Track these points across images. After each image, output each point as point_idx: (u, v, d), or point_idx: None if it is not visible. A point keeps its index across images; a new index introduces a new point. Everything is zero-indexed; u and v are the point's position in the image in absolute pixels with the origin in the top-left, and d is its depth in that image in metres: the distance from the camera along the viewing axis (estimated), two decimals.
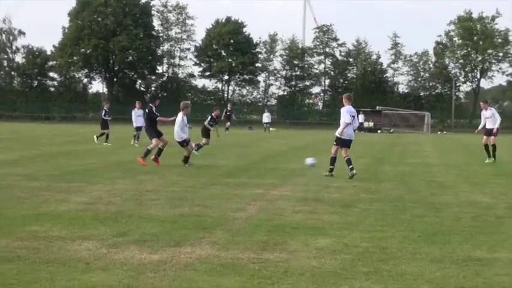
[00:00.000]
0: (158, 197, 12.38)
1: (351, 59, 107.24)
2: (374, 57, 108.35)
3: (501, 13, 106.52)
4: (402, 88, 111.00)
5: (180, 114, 19.89)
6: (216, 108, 30.29)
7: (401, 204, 12.21)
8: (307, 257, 7.54)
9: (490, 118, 24.77)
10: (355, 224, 9.82)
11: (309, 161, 20.41)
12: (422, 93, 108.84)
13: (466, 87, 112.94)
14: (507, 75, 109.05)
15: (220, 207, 11.26)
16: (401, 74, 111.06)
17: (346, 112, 17.12)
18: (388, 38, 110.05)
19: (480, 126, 25.80)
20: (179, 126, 19.70)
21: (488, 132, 24.64)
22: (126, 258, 7.35)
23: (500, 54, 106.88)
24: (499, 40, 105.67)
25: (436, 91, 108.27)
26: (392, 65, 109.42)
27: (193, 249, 7.87)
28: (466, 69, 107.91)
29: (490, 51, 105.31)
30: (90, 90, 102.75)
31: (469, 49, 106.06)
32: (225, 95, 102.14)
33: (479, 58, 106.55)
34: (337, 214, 10.75)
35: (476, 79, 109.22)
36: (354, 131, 17.83)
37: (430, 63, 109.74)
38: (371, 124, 75.35)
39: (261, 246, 8.10)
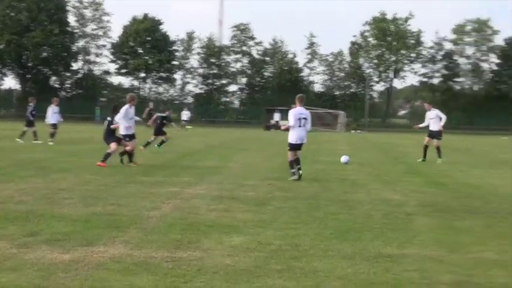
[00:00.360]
0: (71, 196, 12.17)
1: (267, 58, 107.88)
2: (290, 56, 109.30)
3: (414, 15, 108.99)
4: (318, 87, 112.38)
5: (126, 107, 19.41)
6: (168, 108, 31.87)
7: (315, 202, 12.36)
8: (221, 255, 7.55)
9: (433, 119, 24.77)
10: (269, 222, 9.89)
11: (344, 158, 22.62)
12: (337, 93, 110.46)
13: (379, 87, 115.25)
14: (419, 75, 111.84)
15: (134, 205, 11.16)
16: (317, 74, 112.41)
17: (293, 115, 16.90)
18: (305, 38, 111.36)
19: (422, 125, 25.85)
20: (123, 118, 19.17)
21: (431, 134, 24.76)
22: (37, 258, 7.21)
23: (413, 54, 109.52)
24: (412, 41, 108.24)
25: (351, 90, 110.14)
26: (308, 65, 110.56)
27: (106, 248, 7.78)
28: (380, 69, 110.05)
29: (403, 51, 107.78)
30: (2, 87, 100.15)
31: (383, 49, 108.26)
32: (141, 92, 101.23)
33: (393, 58, 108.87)
34: (252, 212, 10.80)
35: (389, 79, 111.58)
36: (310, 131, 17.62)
37: (345, 63, 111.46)
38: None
39: (175, 244, 8.07)
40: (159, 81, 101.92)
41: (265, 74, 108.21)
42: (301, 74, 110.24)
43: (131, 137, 19.41)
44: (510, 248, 8.40)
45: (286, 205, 11.78)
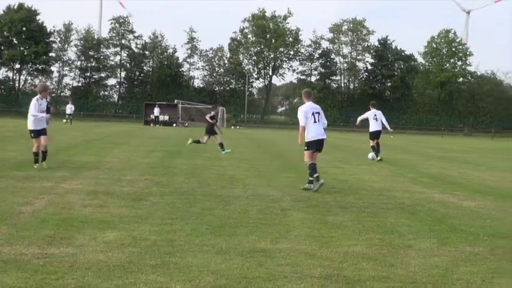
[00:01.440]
0: None
1: (147, 52, 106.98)
2: (170, 51, 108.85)
3: (292, 13, 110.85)
4: (197, 82, 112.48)
5: (35, 98, 16.98)
6: None
7: (192, 197, 12.37)
8: (94, 251, 7.44)
9: (376, 120, 25.28)
10: (144, 217, 9.83)
11: (370, 155, 25.13)
12: (217, 88, 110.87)
13: (258, 84, 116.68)
14: (297, 73, 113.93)
15: (5, 201, 10.81)
16: (197, 69, 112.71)
17: (303, 111, 14.84)
18: (185, 33, 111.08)
19: (358, 120, 26.58)
20: (34, 111, 16.74)
21: (375, 135, 25.24)
22: None
23: (291, 52, 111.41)
24: (290, 39, 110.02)
25: (231, 86, 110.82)
26: (188, 60, 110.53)
27: None
28: (259, 66, 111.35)
29: (281, 49, 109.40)
30: None
31: (262, 46, 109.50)
32: (16, 84, 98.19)
33: (272, 56, 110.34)
34: (128, 207, 10.69)
35: (268, 76, 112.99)
36: (325, 128, 15.19)
37: (225, 58, 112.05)
38: (166, 118, 75.55)
39: (47, 241, 7.88)
40: (35, 73, 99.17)
41: (145, 68, 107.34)
42: (181, 69, 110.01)
43: (40, 132, 17.05)
44: (379, 241, 8.69)
45: (163, 200, 11.74)
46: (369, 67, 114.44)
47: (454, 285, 6.62)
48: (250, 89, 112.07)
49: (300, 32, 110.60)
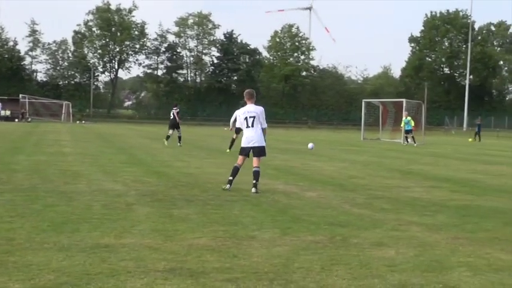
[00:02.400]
0: None
1: None
2: (11, 44, 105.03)
3: (138, 6, 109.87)
4: (41, 76, 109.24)
5: None
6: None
7: (34, 194, 12.01)
8: None
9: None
10: None
11: (310, 145, 27.46)
12: (61, 82, 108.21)
13: (104, 77, 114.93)
14: (143, 66, 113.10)
15: None
16: (40, 62, 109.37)
17: (237, 115, 14.48)
18: (26, 25, 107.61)
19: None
20: None
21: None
22: None
23: (137, 46, 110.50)
24: (136, 32, 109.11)
25: (75, 80, 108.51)
26: (30, 53, 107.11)
27: None
28: (105, 60, 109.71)
29: (127, 42, 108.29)
30: None
31: (107, 40, 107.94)
32: None
33: (117, 49, 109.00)
34: None
35: (114, 69, 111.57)
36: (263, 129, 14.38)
37: (69, 52, 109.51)
38: (8, 113, 72.82)
39: None
40: None
41: None
42: (23, 63, 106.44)
43: None
44: (223, 233, 8.79)
45: (2, 198, 11.32)
46: (215, 61, 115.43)
47: (295, 273, 6.80)
48: (95, 83, 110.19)
49: (145, 25, 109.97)
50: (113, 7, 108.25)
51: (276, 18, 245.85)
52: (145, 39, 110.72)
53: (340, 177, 17.81)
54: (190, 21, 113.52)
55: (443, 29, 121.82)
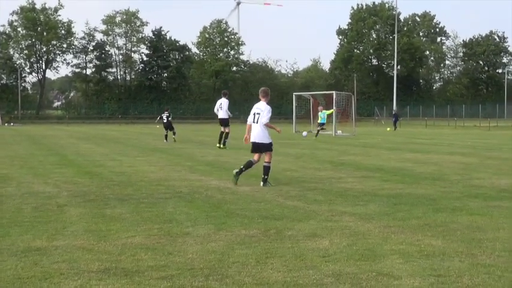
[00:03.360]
0: None
1: None
2: None
3: (63, 5, 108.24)
4: None
5: None
6: None
7: None
8: None
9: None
10: None
11: (304, 133, 29.66)
12: None
13: (32, 78, 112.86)
14: (72, 66, 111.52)
15: None
16: None
17: (252, 110, 14.81)
18: None
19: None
20: None
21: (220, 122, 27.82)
22: None
23: (65, 45, 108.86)
24: (63, 31, 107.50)
25: (2, 82, 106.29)
26: None
27: None
28: (32, 60, 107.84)
29: (54, 42, 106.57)
30: None
31: (34, 40, 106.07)
32: None
33: (44, 49, 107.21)
34: None
35: (42, 70, 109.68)
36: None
37: None
38: None
39: None
40: None
41: None
42: None
43: None
44: (158, 231, 8.74)
45: None
46: (145, 58, 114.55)
47: (230, 268, 6.81)
48: (23, 84, 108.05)
49: (72, 24, 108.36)
50: (38, 6, 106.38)
51: (206, 14, 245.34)
52: (72, 38, 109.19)
53: (274, 170, 17.82)
54: (118, 19, 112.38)
55: (370, 21, 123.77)
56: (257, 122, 14.47)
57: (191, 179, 15.36)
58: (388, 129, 60.16)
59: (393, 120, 63.44)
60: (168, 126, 34.72)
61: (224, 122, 27.05)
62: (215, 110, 27.72)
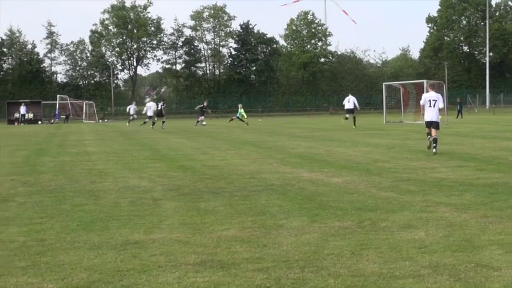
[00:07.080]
0: None
1: (5, 49, 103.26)
2: (29, 46, 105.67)
3: (152, 2, 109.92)
4: (61, 77, 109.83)
5: None
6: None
7: (61, 194, 12.10)
8: None
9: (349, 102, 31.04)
10: (12, 218, 9.53)
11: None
12: (81, 82, 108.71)
13: (124, 75, 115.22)
14: (162, 62, 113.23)
15: None
16: (59, 64, 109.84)
17: (423, 98, 20.48)
18: (43, 27, 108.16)
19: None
20: None
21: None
22: None
23: (154, 42, 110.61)
24: (152, 28, 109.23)
25: (95, 80, 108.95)
26: (49, 55, 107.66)
27: None
28: (123, 57, 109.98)
29: (144, 39, 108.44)
30: None
31: (124, 37, 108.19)
32: None
33: (135, 46, 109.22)
34: None
35: (133, 67, 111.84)
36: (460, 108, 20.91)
37: (87, 51, 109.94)
38: (31, 115, 73.32)
39: None
40: None
41: (4, 66, 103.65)
42: (43, 65, 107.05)
43: None
44: (251, 224, 8.81)
45: (31, 200, 11.41)
46: (233, 52, 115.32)
47: (325, 259, 6.80)
48: (115, 81, 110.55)
49: (161, 20, 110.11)
50: (128, 4, 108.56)
51: (292, 6, 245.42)
52: (162, 35, 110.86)
53: (365, 161, 17.74)
54: (206, 14, 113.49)
55: (460, 8, 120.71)
56: (433, 107, 19.92)
57: (283, 172, 15.38)
58: (455, 118, 58.67)
59: (458, 108, 62.73)
60: (159, 115, 44.02)
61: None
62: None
